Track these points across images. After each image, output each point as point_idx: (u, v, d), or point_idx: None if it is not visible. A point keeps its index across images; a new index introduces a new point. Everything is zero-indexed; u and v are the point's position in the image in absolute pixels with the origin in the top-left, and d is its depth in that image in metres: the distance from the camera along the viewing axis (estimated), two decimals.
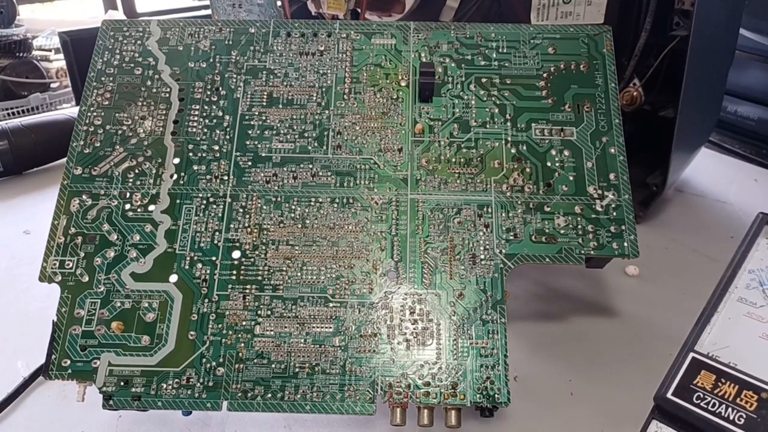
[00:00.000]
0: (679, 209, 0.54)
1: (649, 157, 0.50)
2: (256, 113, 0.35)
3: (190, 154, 0.34)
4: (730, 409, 0.20)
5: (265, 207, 0.33)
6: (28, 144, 0.62)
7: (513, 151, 0.34)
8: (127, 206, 0.33)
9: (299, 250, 0.32)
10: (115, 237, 0.32)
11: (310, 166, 0.34)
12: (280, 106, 0.36)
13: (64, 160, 0.34)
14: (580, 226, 0.32)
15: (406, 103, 0.36)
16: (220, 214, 0.33)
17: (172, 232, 0.32)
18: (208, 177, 0.34)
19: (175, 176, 0.34)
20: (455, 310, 0.31)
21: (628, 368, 0.36)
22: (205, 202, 0.33)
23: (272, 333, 0.30)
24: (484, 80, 0.36)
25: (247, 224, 0.33)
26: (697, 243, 0.48)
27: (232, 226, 0.33)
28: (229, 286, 0.31)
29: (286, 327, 0.30)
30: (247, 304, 0.31)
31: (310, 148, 0.35)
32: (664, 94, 0.48)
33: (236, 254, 0.32)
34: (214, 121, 0.35)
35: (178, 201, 0.33)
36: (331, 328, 0.30)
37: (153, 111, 0.35)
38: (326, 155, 0.34)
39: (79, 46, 0.67)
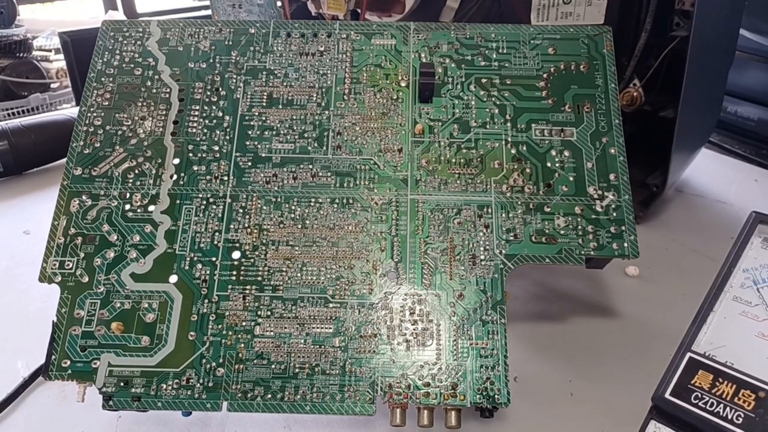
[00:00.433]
0: (679, 210, 0.54)
1: (649, 158, 0.50)
2: (256, 114, 0.35)
3: (190, 154, 0.34)
4: (728, 409, 0.20)
5: (265, 207, 0.33)
6: (28, 144, 0.62)
7: (513, 151, 0.34)
8: (127, 207, 0.33)
9: (299, 251, 0.32)
10: (115, 237, 0.32)
11: (310, 166, 0.34)
12: (280, 106, 0.36)
13: (64, 160, 0.34)
14: (580, 227, 0.32)
15: (406, 103, 0.36)
16: (220, 215, 0.33)
17: (172, 233, 0.32)
18: (208, 177, 0.34)
19: (175, 177, 0.34)
20: (455, 310, 0.31)
21: (628, 368, 0.36)
22: (205, 202, 0.33)
23: (272, 333, 0.30)
24: (484, 81, 0.36)
25: (247, 225, 0.33)
26: (697, 243, 0.48)
27: (232, 226, 0.33)
28: (229, 286, 0.31)
29: (286, 327, 0.30)
30: (247, 304, 0.31)
31: (310, 148, 0.35)
32: (664, 94, 0.48)
33: (236, 255, 0.32)
34: (214, 121, 0.35)
35: (178, 201, 0.33)
36: (331, 328, 0.30)
37: (153, 111, 0.35)
38: (326, 156, 0.34)
39: (79, 46, 0.67)
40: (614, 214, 0.33)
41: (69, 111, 0.73)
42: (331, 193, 0.33)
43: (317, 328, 0.30)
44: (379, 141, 0.35)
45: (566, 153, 0.34)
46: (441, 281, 0.31)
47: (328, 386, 0.29)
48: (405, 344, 0.30)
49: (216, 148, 0.35)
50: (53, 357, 0.30)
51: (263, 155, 0.34)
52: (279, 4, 0.64)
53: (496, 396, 0.29)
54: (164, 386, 0.29)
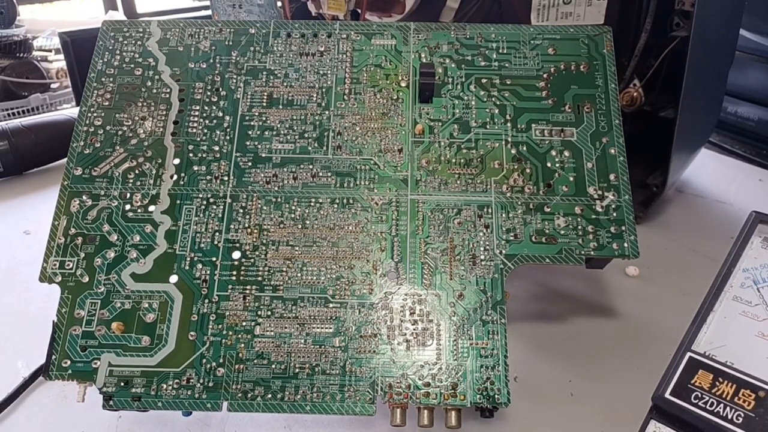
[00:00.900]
0: (680, 210, 0.54)
1: (649, 158, 0.50)
2: (256, 114, 0.36)
3: (190, 154, 0.34)
4: (728, 408, 0.20)
5: (265, 207, 0.33)
6: (28, 144, 0.63)
7: (513, 151, 0.34)
8: (128, 207, 0.33)
9: (299, 251, 0.32)
10: (116, 237, 0.32)
11: (311, 166, 0.34)
12: (280, 106, 0.36)
13: (65, 160, 0.34)
14: (580, 227, 0.32)
15: (406, 103, 0.36)
16: (220, 215, 0.33)
17: (172, 233, 0.32)
18: (208, 177, 0.34)
19: (175, 177, 0.34)
20: (455, 310, 0.31)
21: (628, 368, 0.36)
22: (205, 202, 0.33)
23: (272, 333, 0.30)
24: (484, 81, 0.36)
25: (247, 225, 0.33)
26: (697, 243, 0.48)
27: (232, 226, 0.33)
28: (230, 286, 0.31)
29: (286, 327, 0.30)
30: (248, 304, 0.31)
31: (310, 148, 0.35)
32: (665, 94, 0.48)
33: (236, 255, 0.32)
34: (214, 121, 0.35)
35: (178, 201, 0.33)
36: (331, 328, 0.30)
37: (153, 111, 0.35)
38: (326, 156, 0.34)
39: (79, 46, 0.67)
40: (614, 214, 0.33)
41: (69, 111, 0.73)
42: (332, 193, 0.33)
43: (317, 328, 0.30)
44: (379, 141, 0.35)
45: (566, 153, 0.34)
46: (441, 281, 0.31)
47: (328, 386, 0.29)
48: (405, 344, 0.30)
49: (216, 148, 0.35)
50: (53, 357, 0.30)
51: (263, 155, 0.34)
52: (279, 4, 0.64)
53: (496, 396, 0.29)
54: (164, 386, 0.29)
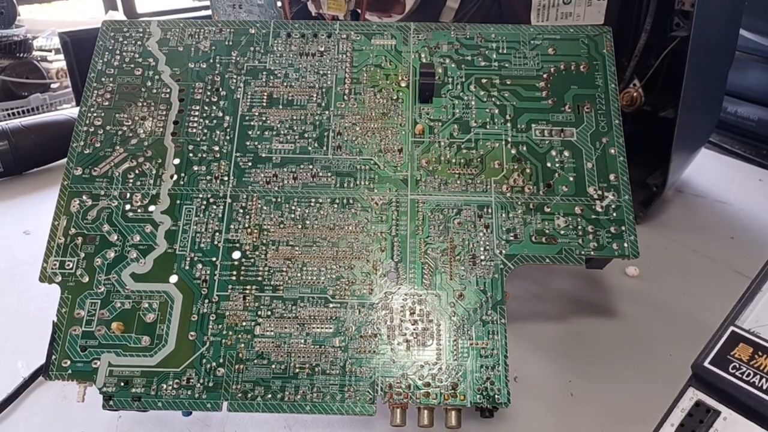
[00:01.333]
0: (680, 210, 0.54)
1: (649, 158, 0.50)
2: (256, 114, 0.36)
3: (190, 154, 0.34)
4: (764, 380, 0.21)
5: (265, 207, 0.33)
6: (28, 144, 0.62)
7: (513, 151, 0.34)
8: (128, 207, 0.33)
9: (299, 251, 0.32)
10: (116, 237, 0.32)
11: (311, 166, 0.34)
12: (280, 106, 0.36)
13: (65, 160, 0.34)
14: (580, 227, 0.32)
15: (406, 103, 0.36)
16: (220, 215, 0.33)
17: (172, 233, 0.32)
18: (208, 178, 0.34)
19: (175, 177, 0.34)
20: (455, 310, 0.31)
21: (628, 368, 0.36)
22: (205, 202, 0.33)
23: (272, 333, 0.30)
24: (484, 81, 0.36)
25: (247, 225, 0.33)
26: (697, 243, 0.48)
27: (232, 226, 0.33)
28: (230, 286, 0.31)
29: (286, 327, 0.31)
30: (248, 304, 0.31)
31: (310, 148, 0.35)
32: (665, 94, 0.48)
33: (236, 255, 0.32)
34: (214, 121, 0.35)
35: (178, 201, 0.33)
36: (331, 328, 0.30)
37: (153, 111, 0.35)
38: (326, 156, 0.34)
39: (79, 46, 0.67)
40: (614, 214, 0.33)
41: (69, 111, 0.73)
42: (332, 194, 0.33)
43: (317, 328, 0.30)
44: (379, 141, 0.35)
45: (566, 153, 0.34)
46: (441, 281, 0.31)
47: (328, 386, 0.29)
48: (405, 344, 0.30)
49: (216, 148, 0.35)
50: (53, 357, 0.30)
51: (263, 155, 0.34)
52: (279, 4, 0.64)
53: (496, 396, 0.29)
54: (164, 386, 0.29)
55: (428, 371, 0.29)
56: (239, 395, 0.29)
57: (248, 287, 0.31)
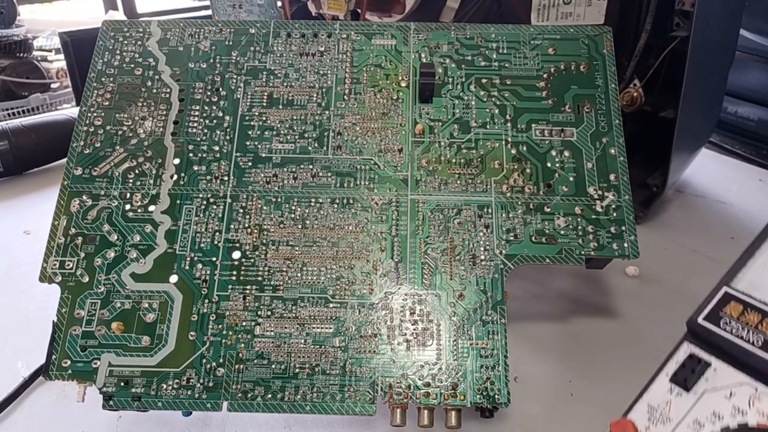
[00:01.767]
0: (680, 210, 0.54)
1: (649, 158, 0.50)
2: (257, 114, 0.36)
3: (191, 154, 0.34)
4: (751, 333, 0.23)
5: (265, 207, 0.33)
6: (28, 144, 0.62)
7: (513, 151, 0.34)
8: (128, 207, 0.33)
9: (299, 251, 0.32)
10: (116, 237, 0.32)
11: (311, 166, 0.34)
12: (281, 106, 0.36)
13: (65, 160, 0.34)
14: (580, 227, 0.32)
15: (406, 103, 0.36)
16: (220, 215, 0.33)
17: (172, 233, 0.32)
18: (209, 177, 0.34)
19: (176, 177, 0.34)
20: (455, 310, 0.31)
21: (628, 368, 0.35)
22: (205, 202, 0.33)
23: (272, 333, 0.30)
24: (484, 81, 0.36)
25: (247, 225, 0.33)
26: (697, 243, 0.48)
27: (232, 226, 0.33)
28: (230, 286, 0.31)
29: (286, 327, 0.31)
30: (248, 304, 0.31)
31: (310, 148, 0.35)
32: (665, 94, 0.48)
33: (236, 255, 0.32)
34: (215, 121, 0.35)
35: (178, 201, 0.33)
36: (331, 328, 0.30)
37: (153, 111, 0.35)
38: (326, 156, 0.34)
39: (79, 46, 0.67)
40: (614, 215, 0.33)
41: (69, 111, 0.73)
42: (332, 193, 0.33)
43: (317, 328, 0.30)
44: (379, 141, 0.35)
45: (566, 153, 0.34)
46: (441, 281, 0.31)
47: (328, 386, 0.29)
48: (405, 344, 0.30)
49: (216, 148, 0.35)
50: (53, 357, 0.30)
51: (263, 155, 0.34)
52: (279, 4, 0.64)
53: (496, 396, 0.29)
54: (164, 386, 0.29)
55: (428, 371, 0.29)
56: (239, 395, 0.29)
57: (248, 287, 0.31)
